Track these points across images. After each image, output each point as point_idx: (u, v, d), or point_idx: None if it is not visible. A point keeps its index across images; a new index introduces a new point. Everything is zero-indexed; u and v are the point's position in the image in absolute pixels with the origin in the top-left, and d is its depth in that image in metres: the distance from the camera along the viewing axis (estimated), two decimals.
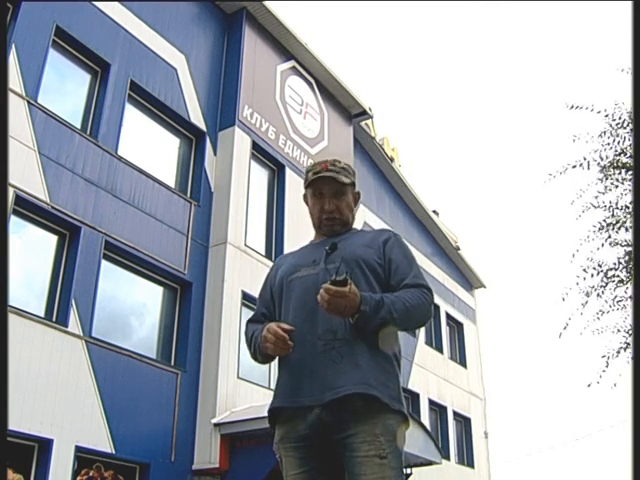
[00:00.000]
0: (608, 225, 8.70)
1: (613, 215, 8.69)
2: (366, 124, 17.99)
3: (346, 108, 16.73)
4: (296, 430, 2.25)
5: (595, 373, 8.80)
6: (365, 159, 18.13)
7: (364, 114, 17.13)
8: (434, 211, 21.87)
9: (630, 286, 8.47)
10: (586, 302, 8.72)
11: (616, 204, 8.69)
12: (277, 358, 2.38)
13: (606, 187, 8.71)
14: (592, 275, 8.74)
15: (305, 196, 2.60)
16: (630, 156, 8.38)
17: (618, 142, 8.64)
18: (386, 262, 2.39)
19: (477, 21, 68.82)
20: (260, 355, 2.37)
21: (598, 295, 8.76)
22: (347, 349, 2.20)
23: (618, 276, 8.73)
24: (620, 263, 8.71)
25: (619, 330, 8.79)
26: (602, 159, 8.66)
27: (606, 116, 8.61)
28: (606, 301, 8.79)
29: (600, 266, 8.79)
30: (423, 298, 2.29)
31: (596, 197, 8.77)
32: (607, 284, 8.75)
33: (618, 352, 8.71)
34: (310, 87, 15.61)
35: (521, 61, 70.97)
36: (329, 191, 2.47)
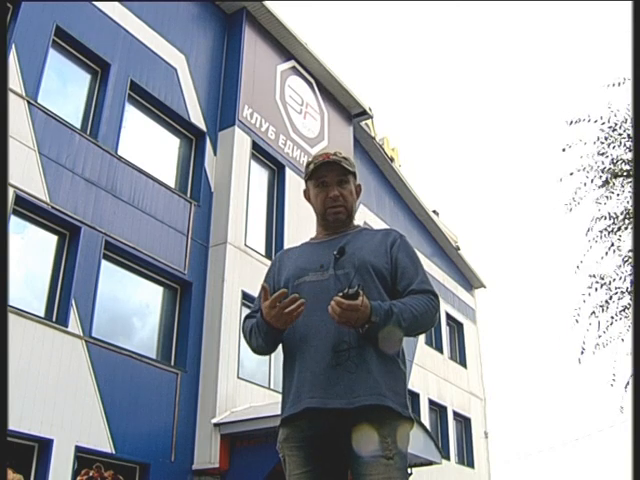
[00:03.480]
0: (610, 232, 8.70)
1: (614, 223, 8.69)
2: (366, 124, 17.99)
3: (346, 108, 16.73)
4: (301, 430, 2.25)
5: (617, 394, 8.78)
6: (365, 159, 18.12)
7: (364, 114, 17.13)
8: (434, 211, 21.86)
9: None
10: (599, 323, 8.73)
11: (617, 215, 8.69)
12: (283, 362, 2.36)
13: (607, 197, 8.72)
14: (596, 289, 8.75)
15: (306, 192, 2.57)
16: (629, 162, 8.38)
17: (614, 147, 8.64)
18: (392, 266, 2.37)
19: (477, 21, 68.86)
20: (266, 338, 2.28)
21: (603, 310, 8.77)
22: (359, 357, 2.20)
23: (620, 288, 8.72)
24: (622, 273, 8.71)
25: (623, 340, 8.79)
26: (602, 170, 8.67)
27: (603, 123, 8.62)
28: (612, 317, 8.79)
29: (602, 279, 8.80)
30: (430, 305, 2.28)
31: (598, 205, 8.76)
32: (611, 297, 8.75)
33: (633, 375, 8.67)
34: (310, 87, 15.61)
35: (521, 61, 71.01)
36: (332, 179, 2.46)
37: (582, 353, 8.75)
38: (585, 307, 8.78)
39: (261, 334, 2.30)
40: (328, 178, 2.46)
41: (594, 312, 8.75)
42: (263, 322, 2.25)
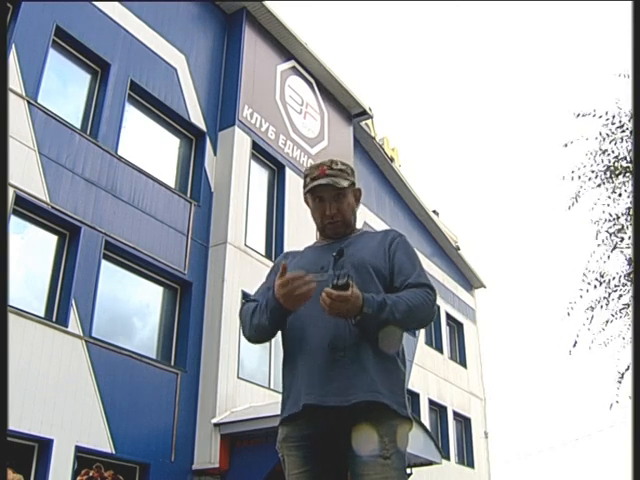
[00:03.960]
0: (611, 234, 8.68)
1: (615, 224, 8.68)
2: (366, 124, 17.99)
3: (346, 108, 16.73)
4: (300, 429, 2.25)
5: (608, 389, 8.76)
6: (365, 159, 18.12)
7: (364, 114, 17.13)
8: (434, 211, 21.86)
9: (631, 288, 8.46)
10: (592, 317, 8.69)
11: (618, 214, 8.68)
12: (283, 361, 2.37)
13: (609, 197, 8.70)
14: (595, 286, 8.72)
15: (306, 198, 2.59)
16: (630, 160, 8.36)
17: (615, 143, 8.62)
18: (390, 264, 2.39)
19: (477, 21, 68.86)
20: (271, 316, 2.26)
21: (601, 306, 8.74)
22: (356, 355, 2.20)
23: (619, 285, 8.71)
24: (622, 271, 8.70)
25: (624, 338, 8.77)
26: (605, 170, 8.64)
27: (607, 119, 8.58)
28: (612, 314, 8.77)
29: (602, 276, 8.77)
30: (426, 297, 2.28)
31: (595, 205, 8.74)
32: (610, 294, 8.73)
33: (628, 368, 8.67)
34: (310, 87, 15.61)
35: (521, 61, 71.03)
36: (329, 195, 2.47)
37: (574, 345, 8.72)
38: (582, 302, 8.76)
39: (267, 312, 2.27)
40: (325, 194, 2.47)
41: (591, 307, 8.73)
42: (273, 299, 2.23)
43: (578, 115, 8.57)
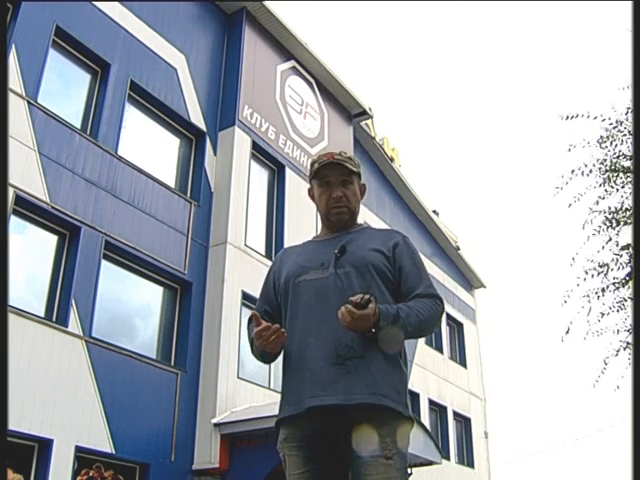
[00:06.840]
0: (608, 227, 8.69)
1: (614, 219, 8.68)
2: (366, 124, 17.99)
3: (346, 108, 16.73)
4: (301, 430, 2.25)
5: (596, 372, 8.77)
6: (365, 159, 18.11)
7: (364, 114, 17.13)
8: (434, 211, 21.86)
9: (630, 287, 8.46)
10: (589, 308, 8.69)
11: (617, 209, 8.68)
12: (283, 359, 2.37)
13: (606, 191, 8.70)
14: (592, 276, 8.72)
15: (310, 191, 2.57)
16: (630, 158, 8.38)
17: (615, 145, 8.64)
18: (396, 269, 2.37)
19: (477, 21, 68.86)
20: (262, 355, 2.37)
21: (598, 297, 8.75)
22: (360, 357, 2.20)
23: (617, 278, 8.72)
24: (620, 264, 8.69)
25: (619, 331, 8.78)
26: (602, 164, 8.66)
27: (603, 120, 8.60)
28: (605, 304, 8.77)
29: (601, 267, 8.77)
30: (436, 310, 2.31)
31: (597, 202, 8.74)
32: (607, 286, 8.73)
33: (617, 352, 8.69)
34: (310, 87, 15.61)
35: (521, 60, 71.01)
36: (336, 179, 2.46)
37: (567, 332, 8.73)
38: (578, 290, 8.77)
39: (258, 353, 2.38)
40: (332, 178, 2.46)
41: (588, 295, 8.73)
42: (258, 345, 2.29)
43: (566, 117, 8.59)
